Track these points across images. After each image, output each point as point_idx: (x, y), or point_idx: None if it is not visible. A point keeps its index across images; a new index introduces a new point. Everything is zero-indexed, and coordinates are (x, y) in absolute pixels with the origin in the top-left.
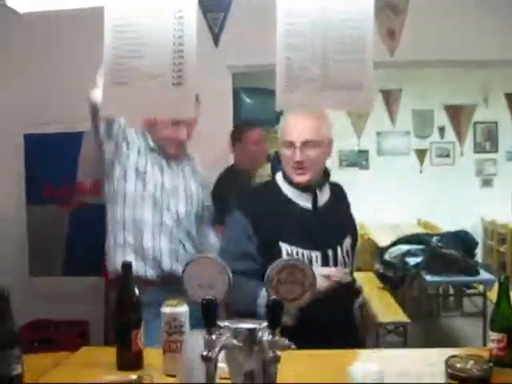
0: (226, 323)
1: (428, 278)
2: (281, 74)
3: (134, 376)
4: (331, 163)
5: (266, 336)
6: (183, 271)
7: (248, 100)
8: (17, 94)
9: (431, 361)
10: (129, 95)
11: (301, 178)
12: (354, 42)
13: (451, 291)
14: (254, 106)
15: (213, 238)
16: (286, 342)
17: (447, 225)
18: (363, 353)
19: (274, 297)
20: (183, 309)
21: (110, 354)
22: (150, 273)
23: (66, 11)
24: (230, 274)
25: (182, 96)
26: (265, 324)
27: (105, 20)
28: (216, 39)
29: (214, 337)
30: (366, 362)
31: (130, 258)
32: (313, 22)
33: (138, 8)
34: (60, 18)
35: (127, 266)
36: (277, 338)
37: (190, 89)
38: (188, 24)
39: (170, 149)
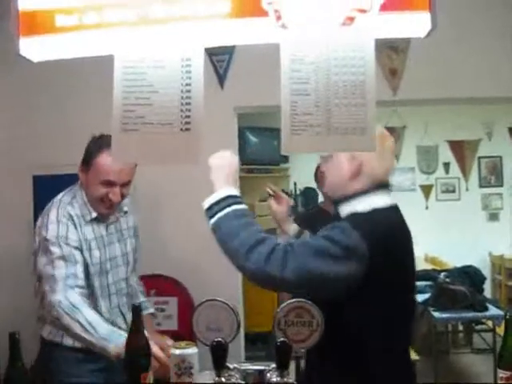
0: (236, 365)
1: (436, 314)
2: (286, 118)
3: None
4: None
5: (274, 377)
6: (192, 314)
7: (253, 139)
8: (27, 136)
9: None
10: (138, 142)
11: None
12: (355, 87)
13: (460, 327)
14: (260, 145)
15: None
16: (295, 383)
17: (455, 260)
18: None
19: (281, 339)
20: (192, 350)
21: None
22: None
23: (78, 60)
24: (238, 317)
25: (190, 142)
26: (273, 365)
27: (114, 68)
28: (221, 81)
29: (223, 379)
30: None
31: None
32: (316, 69)
33: (147, 57)
34: (71, 66)
35: (137, 310)
36: (285, 379)
37: (197, 134)
38: (195, 72)
39: (102, 209)
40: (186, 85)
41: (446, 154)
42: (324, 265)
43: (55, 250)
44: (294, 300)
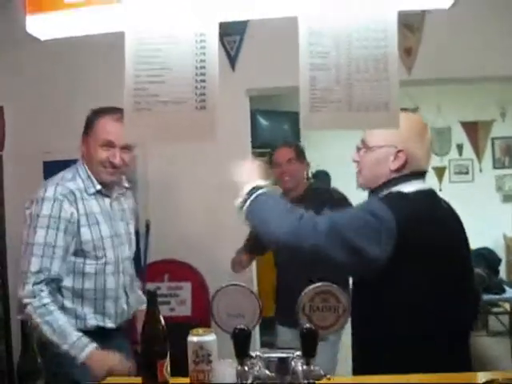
0: (258, 353)
1: None
2: (305, 94)
3: None
4: (349, 183)
5: (299, 365)
6: (212, 300)
7: (264, 122)
8: (35, 120)
9: None
10: (151, 121)
11: None
12: (377, 61)
13: None
14: (270, 128)
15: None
16: (322, 371)
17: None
18: (401, 377)
19: (307, 325)
20: (210, 337)
21: None
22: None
23: (87, 37)
24: (260, 302)
25: (206, 119)
26: (298, 353)
27: (126, 46)
28: (233, 63)
29: (246, 368)
30: None
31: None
32: (336, 42)
33: (159, 33)
34: (81, 45)
35: (152, 295)
36: (312, 367)
37: (213, 112)
38: (209, 48)
39: (104, 175)
40: (201, 61)
41: (459, 136)
42: (352, 222)
43: (40, 233)
44: (319, 284)
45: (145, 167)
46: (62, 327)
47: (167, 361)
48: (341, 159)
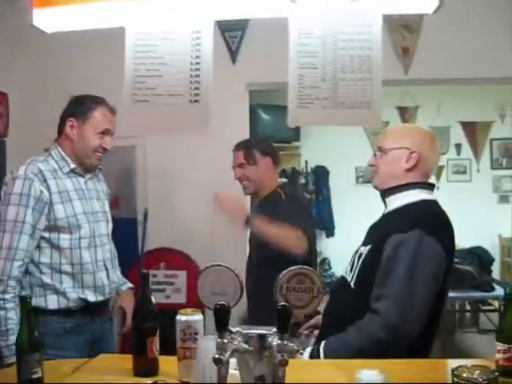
0: (238, 329)
1: None
2: (293, 91)
3: (149, 382)
4: (348, 179)
5: (275, 341)
6: (198, 279)
7: (265, 116)
8: (37, 107)
9: (438, 371)
10: (148, 112)
11: None
12: (362, 62)
13: (467, 307)
14: (271, 123)
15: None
16: (295, 346)
17: (464, 241)
18: (372, 362)
19: (283, 303)
20: (198, 317)
21: (126, 360)
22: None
23: (90, 31)
24: (242, 282)
25: (199, 112)
26: (274, 329)
27: (126, 41)
28: (234, 57)
29: (225, 341)
30: (372, 369)
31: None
32: (323, 43)
33: (158, 29)
34: (83, 38)
35: (145, 277)
36: (285, 342)
37: (206, 105)
38: (205, 44)
39: (94, 160)
40: (196, 57)
41: (457, 135)
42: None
43: (12, 210)
44: (295, 267)
45: (144, 156)
46: (9, 326)
47: (157, 338)
48: (339, 156)
